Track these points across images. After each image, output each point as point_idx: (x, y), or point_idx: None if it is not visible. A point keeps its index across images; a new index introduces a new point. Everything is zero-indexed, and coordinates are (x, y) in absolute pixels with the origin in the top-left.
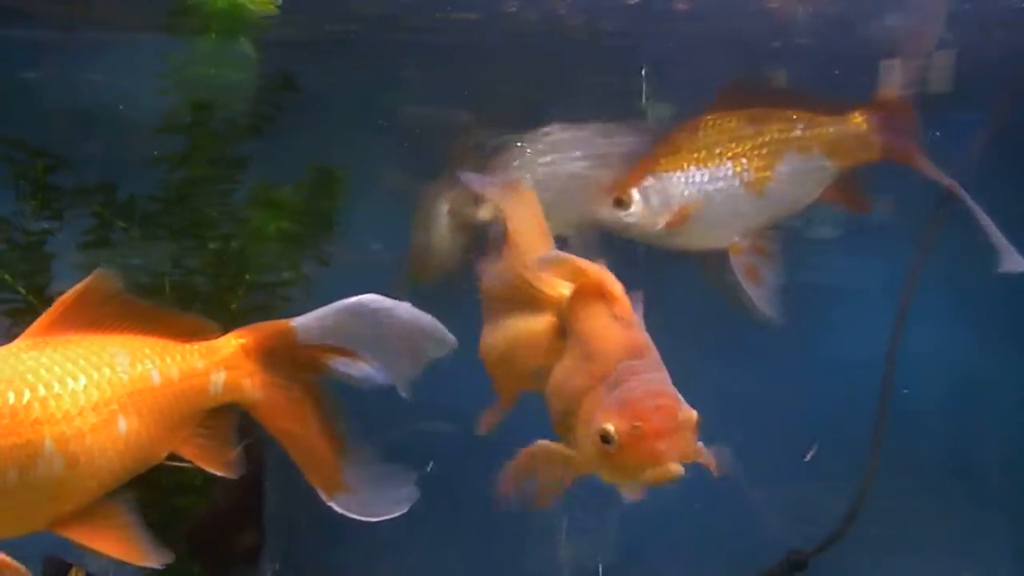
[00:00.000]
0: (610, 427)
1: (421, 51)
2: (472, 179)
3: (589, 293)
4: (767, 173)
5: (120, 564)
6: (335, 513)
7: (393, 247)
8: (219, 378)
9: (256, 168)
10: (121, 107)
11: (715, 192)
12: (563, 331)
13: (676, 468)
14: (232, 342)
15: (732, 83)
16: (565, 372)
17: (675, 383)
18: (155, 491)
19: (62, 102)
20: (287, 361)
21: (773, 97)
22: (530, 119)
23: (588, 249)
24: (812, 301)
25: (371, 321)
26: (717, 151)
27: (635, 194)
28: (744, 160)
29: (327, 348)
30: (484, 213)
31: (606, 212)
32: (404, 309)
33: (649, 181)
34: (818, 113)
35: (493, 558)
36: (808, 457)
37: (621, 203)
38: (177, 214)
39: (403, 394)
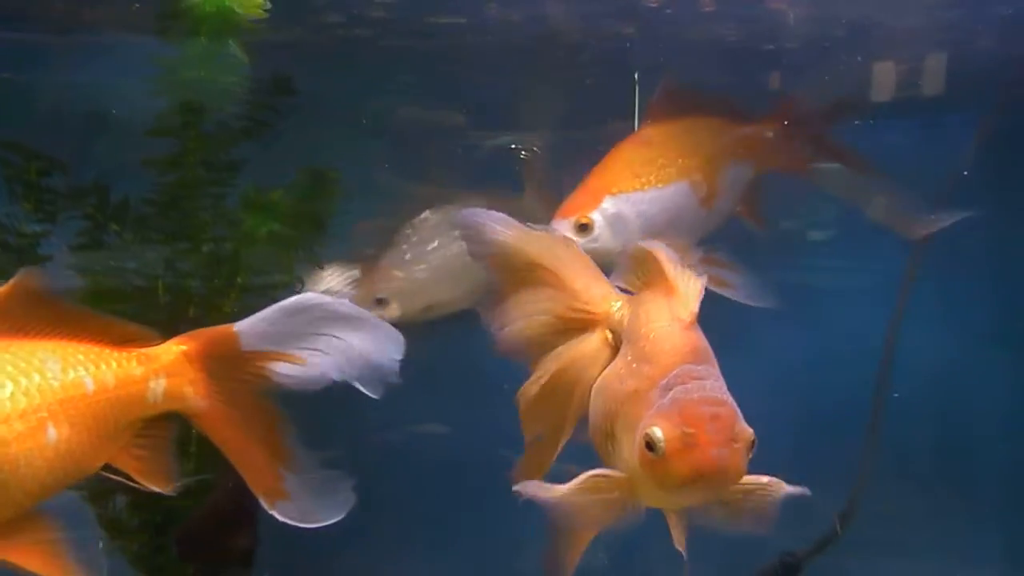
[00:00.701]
0: (657, 432)
1: (413, 54)
2: (471, 215)
3: (654, 293)
4: (716, 186)
5: (113, 566)
6: None
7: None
8: (158, 386)
9: (250, 171)
10: (114, 110)
11: (674, 209)
12: (616, 346)
13: (723, 488)
14: (173, 348)
15: (663, 92)
16: (615, 373)
17: None
18: (149, 493)
19: (55, 105)
20: (231, 367)
21: (702, 103)
22: (522, 122)
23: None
24: (806, 302)
25: (313, 321)
26: (674, 167)
27: (596, 217)
28: (698, 175)
29: (271, 353)
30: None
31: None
32: (345, 307)
33: (609, 203)
34: (738, 119)
35: (490, 560)
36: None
37: (584, 228)
38: (170, 217)
39: (367, 392)
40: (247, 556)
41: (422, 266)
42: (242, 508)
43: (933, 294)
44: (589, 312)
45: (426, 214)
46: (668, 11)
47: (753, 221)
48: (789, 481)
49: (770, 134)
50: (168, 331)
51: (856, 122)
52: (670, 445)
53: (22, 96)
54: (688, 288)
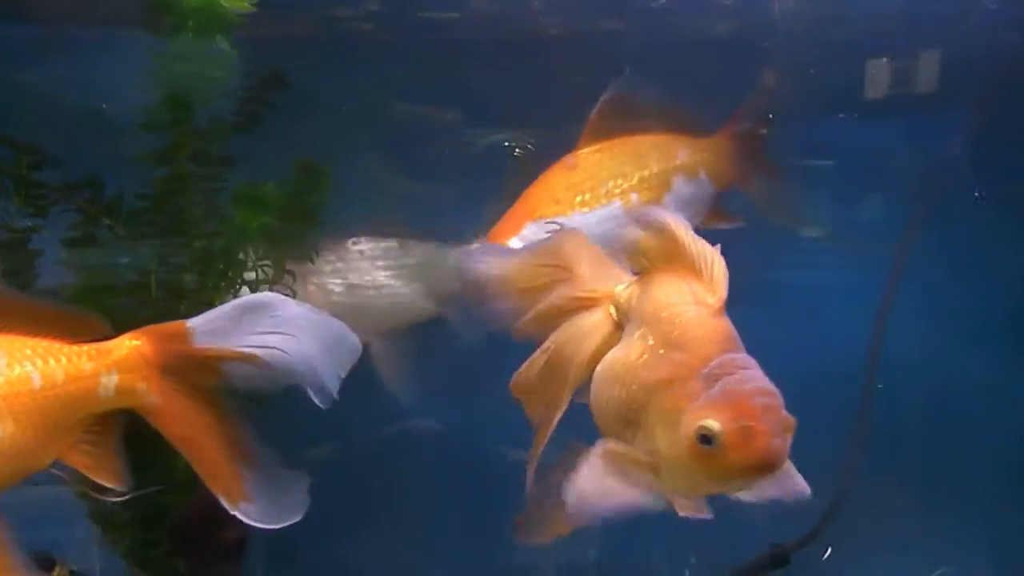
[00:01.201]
0: (714, 424)
1: (407, 50)
2: (467, 255)
3: (668, 273)
4: (661, 207)
5: (105, 560)
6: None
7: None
8: (110, 381)
9: (241, 165)
10: (104, 105)
11: (604, 235)
12: (619, 323)
13: (772, 475)
14: (126, 343)
15: (604, 108)
16: (636, 358)
17: None
18: (142, 487)
19: (47, 100)
20: (184, 363)
21: (645, 118)
22: (518, 118)
23: (395, 358)
24: (798, 299)
25: (270, 320)
26: (603, 190)
27: (516, 244)
28: (634, 195)
29: (225, 351)
30: None
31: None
32: (305, 309)
33: (529, 230)
34: (692, 133)
35: (484, 552)
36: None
37: None
38: (161, 212)
39: (317, 401)
40: (239, 550)
41: (337, 281)
42: None
43: (925, 289)
44: (593, 292)
45: (358, 239)
46: (658, 4)
47: (728, 223)
48: None
49: (724, 147)
50: None
51: (841, 115)
52: (729, 438)
53: (12, 91)
54: (714, 271)
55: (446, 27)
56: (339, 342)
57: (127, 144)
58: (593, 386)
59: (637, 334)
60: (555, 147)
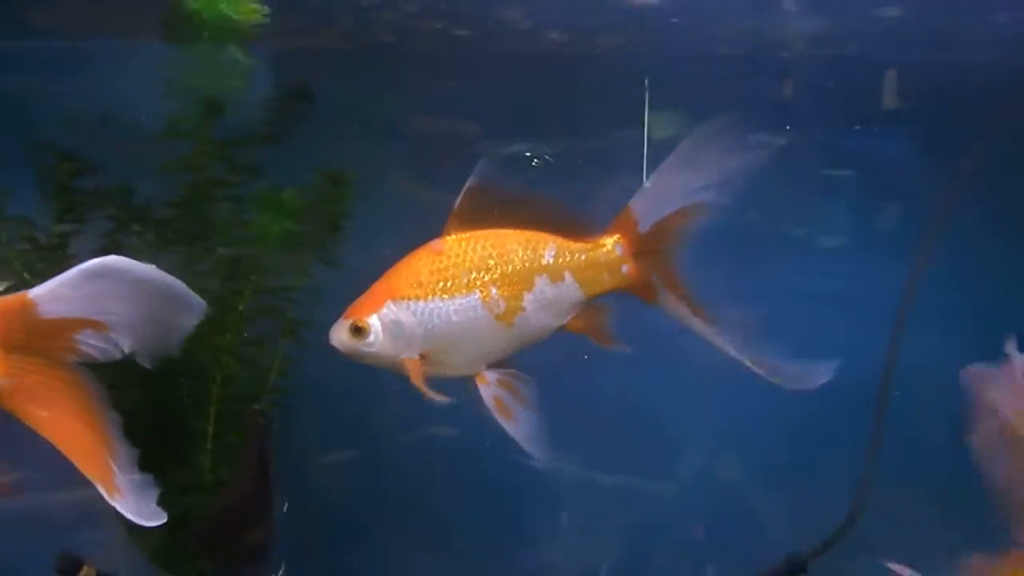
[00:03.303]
0: None
1: (429, 61)
2: None
3: None
4: (518, 303)
5: (131, 562)
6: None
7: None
8: None
9: (269, 174)
10: (136, 114)
11: (461, 323)
12: None
13: None
14: None
15: (466, 198)
16: None
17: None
18: (165, 490)
19: (81, 109)
20: (33, 339)
21: (515, 212)
22: (535, 130)
23: None
24: (815, 308)
25: (116, 285)
26: (464, 280)
27: (374, 322)
28: (493, 290)
29: (72, 320)
30: None
31: (344, 338)
32: (151, 271)
33: (389, 309)
34: (566, 231)
35: (501, 559)
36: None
37: (359, 331)
38: (187, 219)
39: (146, 364)
40: (262, 551)
41: None
42: (258, 503)
43: (942, 296)
44: None
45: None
46: (675, 20)
47: (604, 344)
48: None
49: (600, 251)
50: None
51: (856, 127)
52: None
53: (48, 101)
54: None
55: (465, 41)
56: (183, 302)
57: (157, 153)
58: None
59: None
60: (572, 157)
